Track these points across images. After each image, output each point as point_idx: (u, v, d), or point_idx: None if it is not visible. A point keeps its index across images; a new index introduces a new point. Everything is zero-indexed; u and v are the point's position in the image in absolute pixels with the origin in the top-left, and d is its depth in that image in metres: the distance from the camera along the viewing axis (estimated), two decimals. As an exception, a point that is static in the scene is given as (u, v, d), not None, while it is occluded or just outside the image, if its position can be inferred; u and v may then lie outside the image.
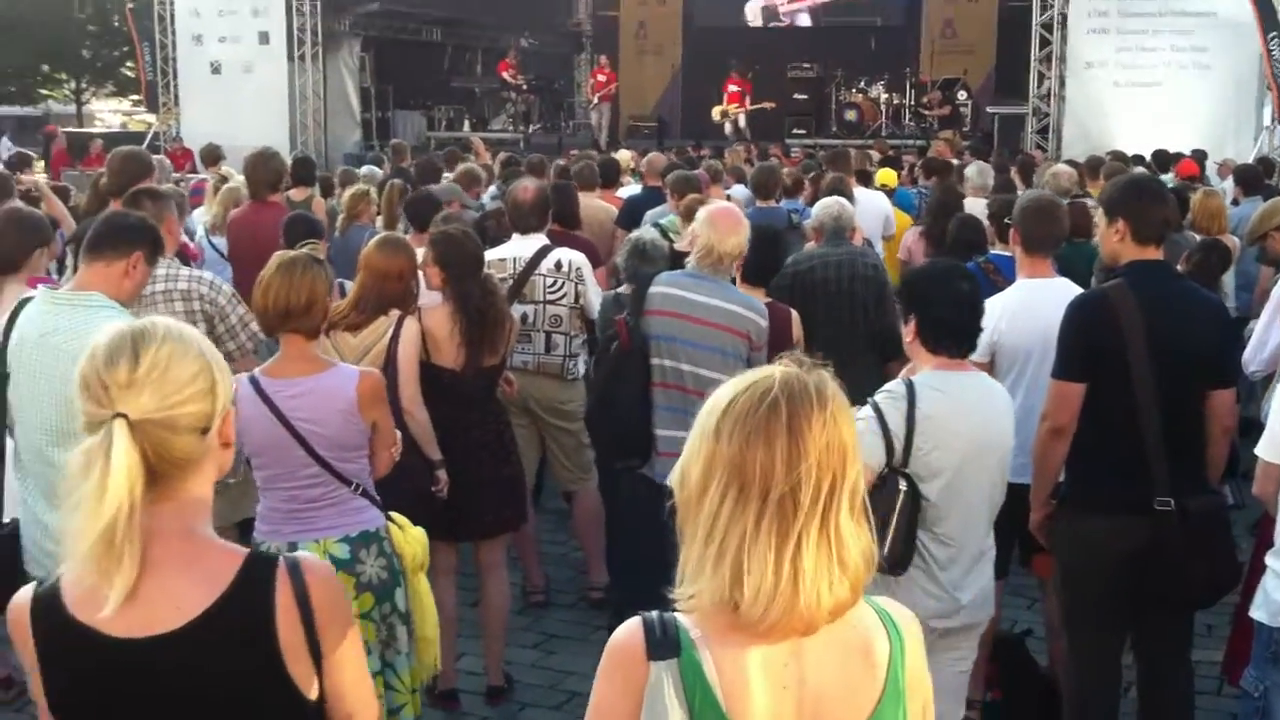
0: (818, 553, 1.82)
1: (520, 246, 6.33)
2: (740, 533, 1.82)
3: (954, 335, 3.83)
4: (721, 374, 5.04)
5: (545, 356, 6.23)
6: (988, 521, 3.88)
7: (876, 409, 3.72)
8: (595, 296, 6.25)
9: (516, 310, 6.04)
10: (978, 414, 3.77)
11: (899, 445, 3.68)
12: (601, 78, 25.41)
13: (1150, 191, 4.44)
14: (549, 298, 6.21)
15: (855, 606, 1.90)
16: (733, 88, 24.37)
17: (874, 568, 1.89)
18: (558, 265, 6.25)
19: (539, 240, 6.34)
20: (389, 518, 4.19)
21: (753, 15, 27.80)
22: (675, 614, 1.92)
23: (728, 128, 23.99)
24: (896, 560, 3.67)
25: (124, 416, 1.96)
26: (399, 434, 4.36)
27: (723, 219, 5.27)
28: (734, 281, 5.44)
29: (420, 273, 5.26)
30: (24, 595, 2.08)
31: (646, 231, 6.77)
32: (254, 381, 3.96)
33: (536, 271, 6.21)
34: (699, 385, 5.00)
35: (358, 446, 4.10)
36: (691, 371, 5.15)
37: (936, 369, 3.80)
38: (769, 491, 1.82)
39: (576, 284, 6.24)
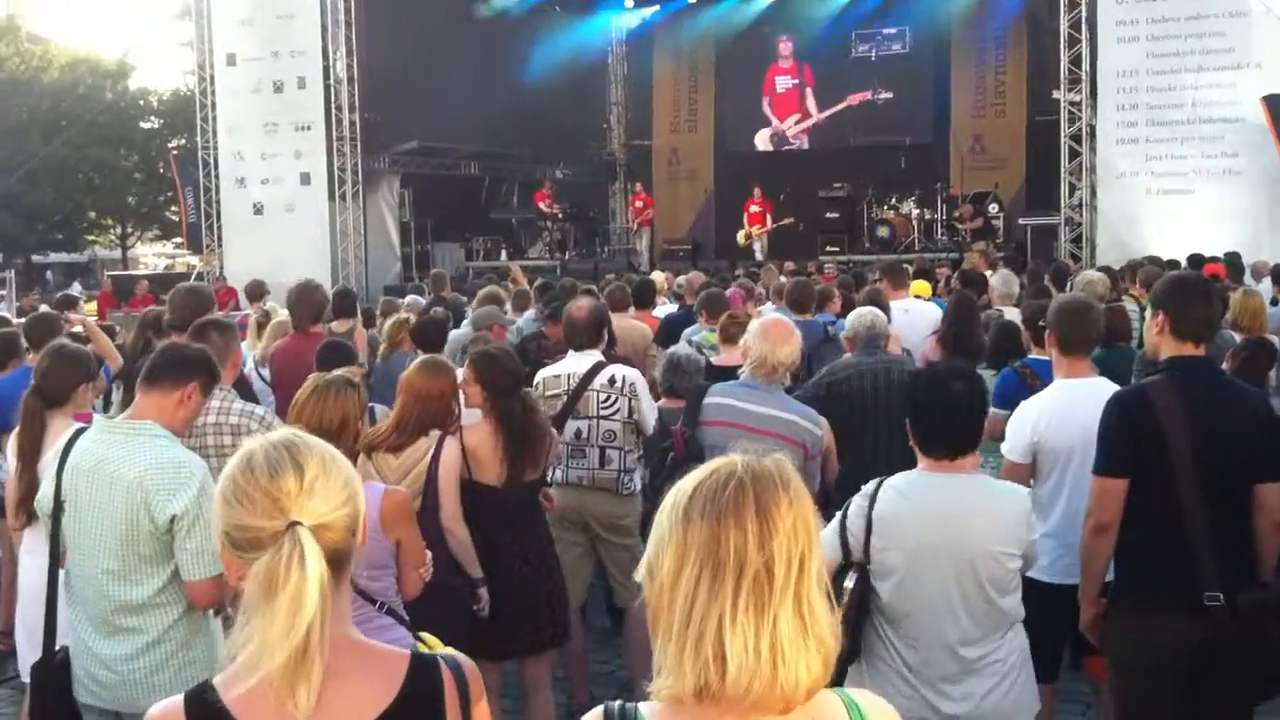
0: (794, 627, 1.84)
1: (575, 363, 6.39)
2: (719, 612, 1.83)
3: (942, 438, 3.83)
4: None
5: (600, 471, 6.23)
6: (969, 629, 3.72)
7: (844, 506, 3.81)
8: (650, 412, 6.29)
9: (570, 426, 6.10)
10: (938, 516, 3.70)
11: (855, 543, 3.73)
12: (639, 204, 25.83)
13: (1193, 288, 4.43)
14: (602, 413, 6.23)
15: (819, 697, 1.91)
16: (754, 208, 24.68)
17: (840, 645, 1.92)
18: (611, 380, 6.28)
19: (593, 356, 6.40)
20: (418, 637, 4.17)
21: (762, 143, 28.40)
22: (638, 704, 1.94)
23: (757, 249, 24.22)
24: (844, 652, 3.65)
25: (301, 524, 2.00)
26: (429, 554, 4.36)
27: (775, 330, 5.36)
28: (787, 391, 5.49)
29: (460, 392, 5.33)
30: (171, 706, 2.07)
31: (681, 347, 6.85)
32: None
33: (590, 387, 6.25)
34: None
35: (382, 565, 4.12)
36: None
37: (925, 470, 3.84)
38: (744, 568, 1.84)
39: (630, 399, 6.25)
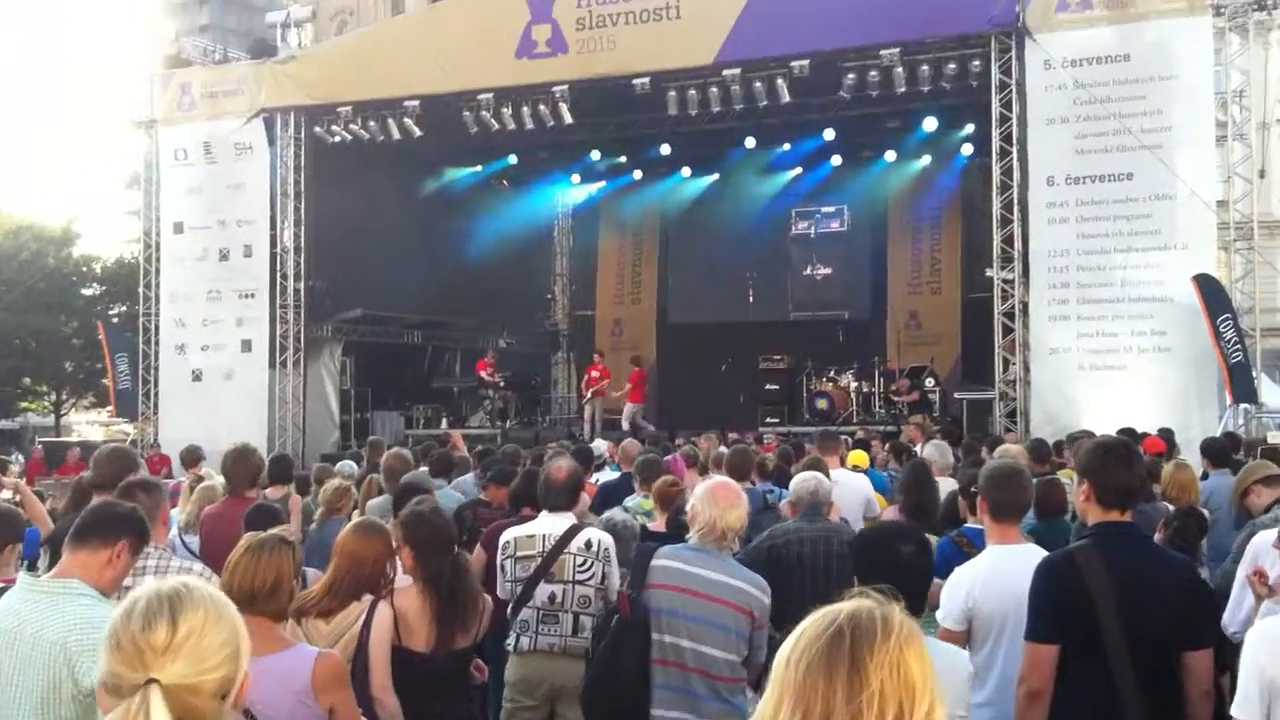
0: None
1: (549, 524, 6.27)
2: None
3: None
4: (723, 651, 5.02)
5: (573, 638, 6.05)
6: None
7: None
8: (617, 578, 6.15)
9: (543, 590, 5.98)
10: None
11: None
12: (596, 374, 25.63)
13: (1115, 456, 4.49)
14: (579, 577, 6.10)
15: None
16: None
17: None
18: (588, 544, 6.16)
19: (568, 519, 6.30)
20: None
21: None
22: None
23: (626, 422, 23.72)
24: None
25: (156, 682, 1.95)
26: None
27: (722, 493, 5.32)
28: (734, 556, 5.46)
29: (396, 557, 5.26)
30: None
31: (616, 513, 6.82)
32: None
33: (566, 550, 6.13)
34: (699, 663, 4.94)
35: None
36: (692, 648, 5.08)
37: None
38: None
39: (604, 564, 6.13)
